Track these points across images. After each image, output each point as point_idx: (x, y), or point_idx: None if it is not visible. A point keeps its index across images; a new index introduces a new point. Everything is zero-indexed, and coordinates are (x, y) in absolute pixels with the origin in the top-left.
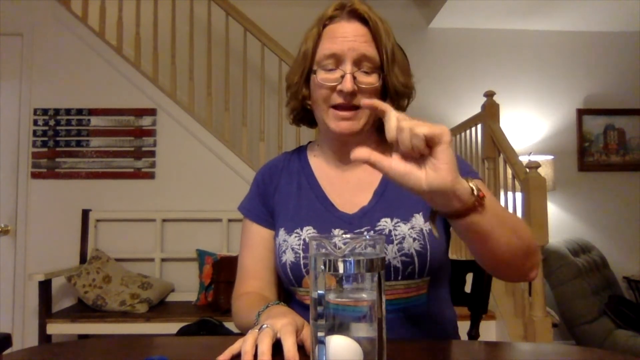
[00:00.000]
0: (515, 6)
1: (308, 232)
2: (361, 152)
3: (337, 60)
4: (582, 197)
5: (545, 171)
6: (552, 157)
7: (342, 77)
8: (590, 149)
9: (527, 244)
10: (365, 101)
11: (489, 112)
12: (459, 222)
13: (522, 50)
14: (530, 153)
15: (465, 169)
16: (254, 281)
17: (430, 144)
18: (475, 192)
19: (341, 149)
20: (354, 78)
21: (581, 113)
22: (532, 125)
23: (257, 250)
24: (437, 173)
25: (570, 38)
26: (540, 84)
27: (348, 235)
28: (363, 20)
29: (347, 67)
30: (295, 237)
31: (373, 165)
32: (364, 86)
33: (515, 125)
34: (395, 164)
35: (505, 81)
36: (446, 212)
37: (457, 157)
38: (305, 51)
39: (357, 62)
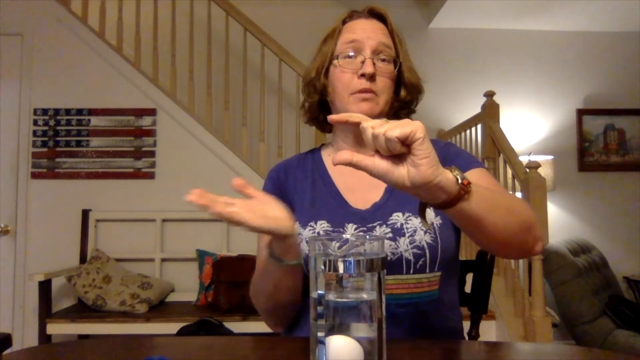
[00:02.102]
0: (515, 6)
1: (322, 226)
2: (343, 155)
3: (357, 47)
4: (582, 197)
5: (545, 171)
6: (552, 157)
7: (363, 62)
8: (590, 149)
9: (525, 220)
10: (332, 117)
11: (489, 112)
12: (449, 212)
13: (522, 50)
14: (530, 153)
15: (465, 160)
16: None
17: (407, 142)
18: (460, 181)
19: (358, 139)
20: (374, 64)
21: (581, 113)
22: (532, 125)
23: None
24: (417, 169)
25: (570, 38)
26: (540, 84)
27: (350, 236)
28: (380, 19)
29: (367, 52)
30: (310, 230)
31: (356, 166)
32: (382, 72)
33: (515, 125)
34: (377, 162)
35: (505, 81)
36: (434, 204)
37: (456, 149)
38: (324, 46)
39: (376, 51)
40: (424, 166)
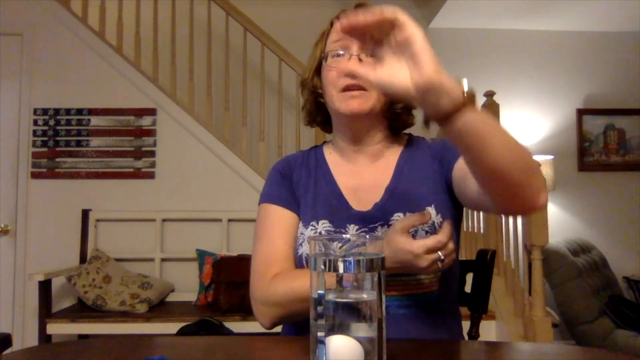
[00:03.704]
0: (515, 6)
1: (324, 225)
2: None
3: (345, 45)
4: (582, 197)
5: (545, 171)
6: (552, 157)
7: (349, 59)
8: (590, 149)
9: (528, 159)
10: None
11: (489, 112)
12: (452, 127)
13: (522, 50)
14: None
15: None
16: (285, 262)
17: (397, 37)
18: (464, 89)
19: (354, 137)
20: (360, 60)
21: (581, 113)
22: (532, 125)
23: (290, 235)
24: (419, 69)
25: (570, 38)
26: (540, 84)
27: (350, 236)
28: None
29: (354, 49)
30: (312, 229)
31: (359, 76)
32: (371, 67)
33: (515, 125)
34: (380, 73)
35: (505, 81)
36: (438, 115)
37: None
38: (315, 49)
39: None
40: (425, 63)
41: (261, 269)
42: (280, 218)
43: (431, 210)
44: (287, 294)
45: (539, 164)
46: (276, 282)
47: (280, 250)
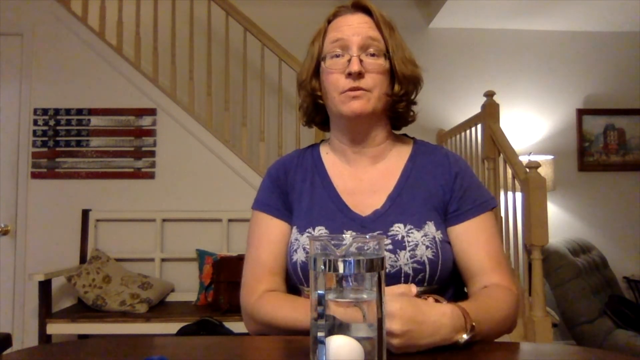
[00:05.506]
0: (515, 6)
1: (320, 232)
2: None
3: (344, 45)
4: (582, 197)
5: (545, 171)
6: (552, 157)
7: (349, 61)
8: (590, 149)
9: (510, 326)
10: None
11: (489, 112)
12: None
13: (522, 50)
14: (530, 153)
15: (473, 202)
16: (273, 277)
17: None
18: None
19: (354, 138)
20: (361, 61)
21: (581, 113)
22: (532, 125)
23: (278, 245)
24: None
25: (570, 38)
26: (540, 84)
27: (349, 236)
28: (366, 12)
29: (354, 50)
30: (307, 236)
31: None
32: (370, 67)
33: (515, 125)
34: None
35: (505, 81)
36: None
37: (467, 182)
38: (312, 48)
39: (363, 47)
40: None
41: (250, 282)
42: (269, 228)
43: (432, 225)
44: (267, 320)
45: (514, 321)
46: (262, 302)
47: (267, 265)
